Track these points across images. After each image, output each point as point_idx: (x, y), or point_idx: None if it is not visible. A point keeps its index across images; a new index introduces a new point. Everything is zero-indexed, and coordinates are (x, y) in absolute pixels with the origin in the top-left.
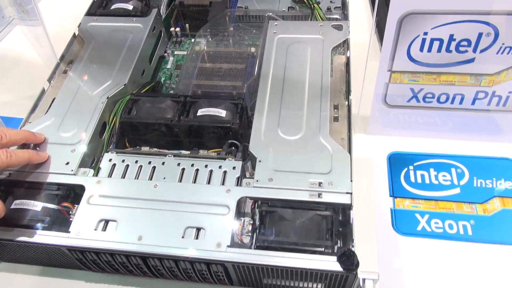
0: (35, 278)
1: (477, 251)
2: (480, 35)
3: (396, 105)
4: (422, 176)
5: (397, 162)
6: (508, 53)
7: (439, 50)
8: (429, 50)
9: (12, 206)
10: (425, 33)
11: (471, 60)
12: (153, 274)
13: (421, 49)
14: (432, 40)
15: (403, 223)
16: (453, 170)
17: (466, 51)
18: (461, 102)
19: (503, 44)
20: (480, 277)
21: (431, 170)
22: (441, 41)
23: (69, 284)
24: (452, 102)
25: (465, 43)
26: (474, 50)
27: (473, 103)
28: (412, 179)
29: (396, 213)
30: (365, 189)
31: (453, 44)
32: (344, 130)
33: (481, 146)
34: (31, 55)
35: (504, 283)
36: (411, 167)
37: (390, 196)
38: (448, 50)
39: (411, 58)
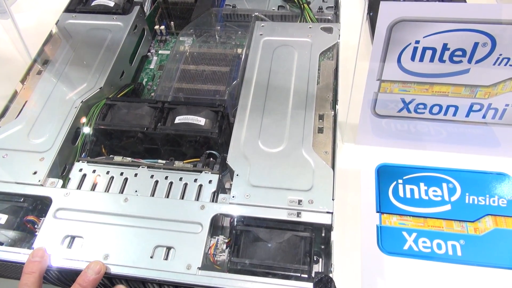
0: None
1: (466, 274)
2: (476, 45)
3: (386, 115)
4: (412, 190)
5: (386, 175)
6: (506, 64)
7: (431, 60)
8: (421, 59)
9: None
10: (417, 42)
11: (466, 71)
12: None
13: (413, 58)
14: (424, 49)
15: (389, 241)
16: (444, 185)
17: (461, 61)
18: (455, 114)
19: (500, 55)
20: None
21: (421, 184)
22: (434, 50)
23: None
24: (445, 114)
25: (459, 53)
26: (469, 61)
27: (467, 115)
28: (401, 194)
29: (382, 231)
30: (351, 203)
31: (447, 53)
32: (329, 142)
33: (475, 159)
34: (11, 52)
35: None
36: (400, 181)
37: (377, 212)
38: (441, 60)
39: (401, 67)
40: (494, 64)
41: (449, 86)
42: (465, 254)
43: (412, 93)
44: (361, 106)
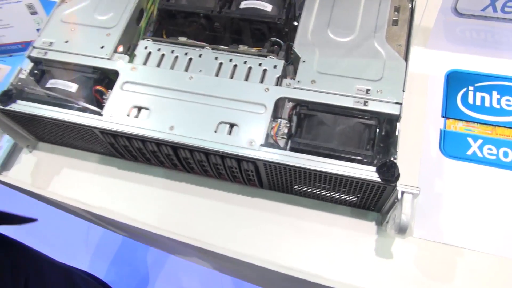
0: (70, 160)
1: None
2: None
3: (467, 14)
4: (482, 98)
5: (456, 81)
6: None
7: None
8: None
9: (48, 85)
10: None
11: None
12: (183, 168)
13: None
14: None
15: (452, 145)
16: None
17: None
18: None
19: None
20: None
21: (494, 93)
22: None
23: (102, 168)
24: None
25: None
26: None
27: None
28: (470, 101)
29: (445, 135)
30: (415, 106)
31: None
32: (403, 35)
33: None
34: None
35: None
36: (471, 88)
37: (442, 116)
38: None
39: None
40: None
41: None
42: None
43: None
44: (439, 6)
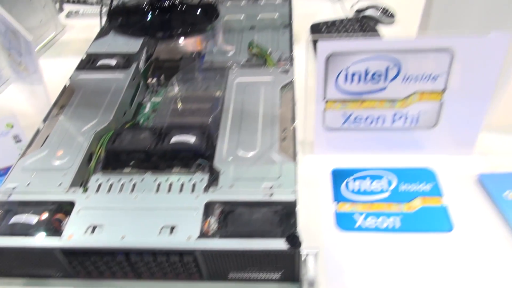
0: None
1: (404, 240)
2: (387, 68)
3: (333, 128)
4: (360, 185)
5: (339, 176)
6: (410, 81)
7: (359, 81)
8: (352, 81)
9: (10, 222)
10: (347, 68)
11: (384, 88)
12: (134, 274)
13: (345, 81)
14: (352, 73)
15: (344, 221)
16: (384, 178)
17: (379, 81)
18: (383, 123)
19: (405, 74)
20: (407, 260)
21: (367, 179)
22: (359, 73)
23: None
24: (376, 123)
25: (377, 75)
26: (385, 80)
27: (392, 123)
28: (351, 188)
29: (338, 215)
30: (312, 196)
31: (369, 76)
32: (291, 146)
33: (405, 158)
34: (26, 108)
35: (426, 265)
36: (350, 178)
37: (334, 201)
38: (365, 81)
39: (339, 89)
40: (402, 81)
41: (375, 100)
42: (402, 225)
43: (349, 108)
44: (314, 123)
